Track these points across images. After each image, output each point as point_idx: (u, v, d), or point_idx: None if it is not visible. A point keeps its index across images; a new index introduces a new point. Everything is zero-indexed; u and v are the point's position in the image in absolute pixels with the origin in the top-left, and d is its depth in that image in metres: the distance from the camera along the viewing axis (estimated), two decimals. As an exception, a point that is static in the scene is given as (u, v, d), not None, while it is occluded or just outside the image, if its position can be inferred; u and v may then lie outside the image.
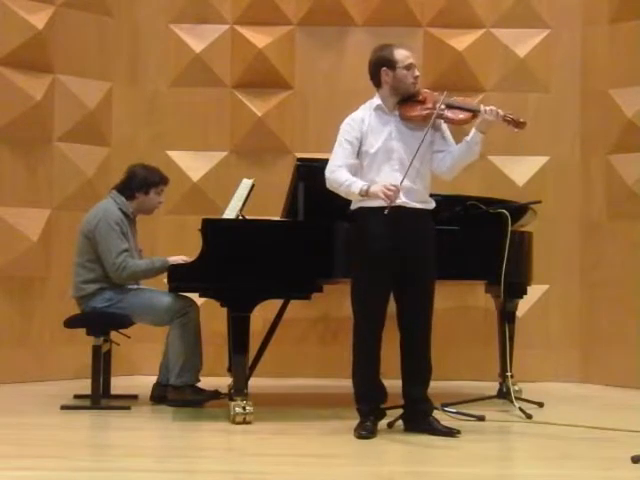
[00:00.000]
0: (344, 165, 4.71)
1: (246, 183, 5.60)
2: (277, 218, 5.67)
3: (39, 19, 6.57)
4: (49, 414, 5.29)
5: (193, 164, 7.08)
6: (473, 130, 4.76)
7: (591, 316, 6.89)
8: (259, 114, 7.06)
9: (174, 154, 7.08)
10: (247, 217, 5.52)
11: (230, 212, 5.52)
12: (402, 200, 4.66)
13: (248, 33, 7.07)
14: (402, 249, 4.66)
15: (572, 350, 6.92)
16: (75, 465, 4.09)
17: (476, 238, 5.53)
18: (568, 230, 6.96)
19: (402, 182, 4.57)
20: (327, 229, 5.08)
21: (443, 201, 5.64)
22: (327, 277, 5.14)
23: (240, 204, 5.49)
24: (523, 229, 5.95)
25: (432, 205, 4.81)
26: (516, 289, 5.79)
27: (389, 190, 4.52)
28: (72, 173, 6.74)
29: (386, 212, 4.49)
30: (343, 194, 4.72)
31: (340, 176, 4.70)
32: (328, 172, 4.75)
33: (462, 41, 7.02)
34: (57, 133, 6.70)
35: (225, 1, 7.10)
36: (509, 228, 5.43)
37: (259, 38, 7.06)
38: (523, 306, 6.39)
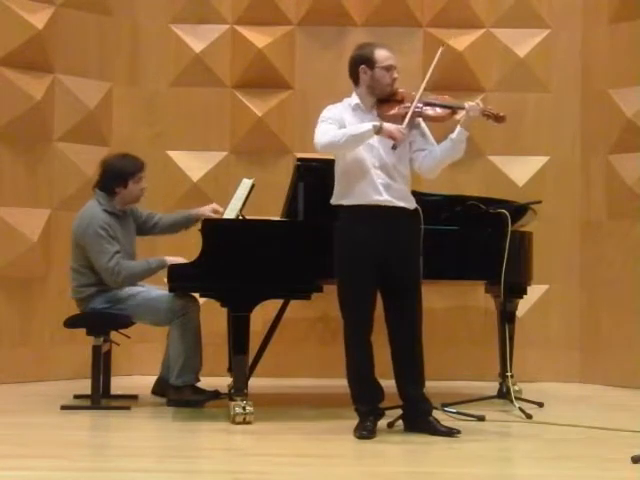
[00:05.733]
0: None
1: (246, 183, 5.60)
2: (277, 218, 5.67)
3: (39, 19, 6.57)
4: (49, 414, 5.29)
5: (193, 164, 7.08)
6: (458, 127, 4.73)
7: (591, 316, 6.88)
8: (259, 114, 7.06)
9: (174, 154, 7.08)
10: (247, 217, 5.52)
11: (230, 212, 5.52)
12: (384, 198, 4.67)
13: (248, 33, 7.07)
14: (385, 249, 4.66)
15: (572, 350, 6.92)
16: (75, 465, 4.09)
17: (476, 238, 5.53)
18: (568, 230, 6.96)
19: (404, 127, 4.59)
20: (327, 229, 5.08)
21: (443, 201, 5.67)
22: (327, 277, 5.13)
23: (240, 204, 5.49)
24: (523, 229, 5.95)
25: (414, 204, 4.79)
26: (516, 289, 5.79)
27: (400, 132, 4.56)
28: (72, 173, 6.73)
29: (393, 146, 4.57)
30: (346, 144, 4.59)
31: (336, 132, 4.62)
32: (319, 138, 4.64)
33: (462, 41, 7.02)
34: (57, 133, 6.70)
35: (225, 1, 7.09)
36: (509, 228, 5.43)
37: (259, 38, 7.06)
38: (523, 306, 6.38)
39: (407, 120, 4.64)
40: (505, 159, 6.98)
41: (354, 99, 4.81)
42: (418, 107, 4.73)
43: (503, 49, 7.06)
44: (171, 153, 7.08)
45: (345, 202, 4.72)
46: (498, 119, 4.77)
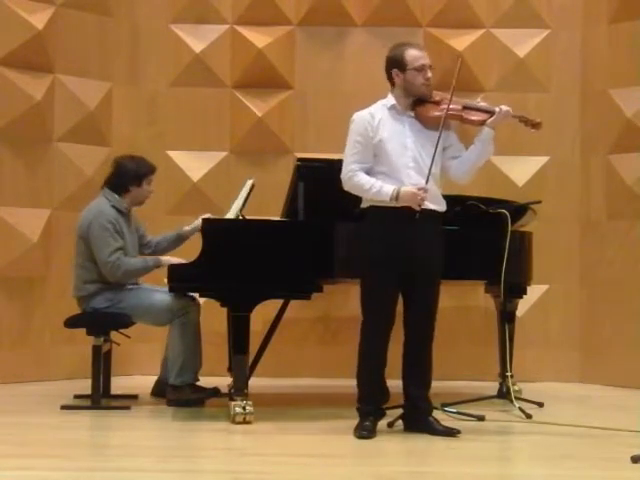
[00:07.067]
0: (359, 169, 4.68)
1: (247, 183, 5.62)
2: (277, 218, 5.67)
3: (39, 19, 6.57)
4: (49, 414, 5.29)
5: (193, 164, 7.08)
6: (486, 128, 4.76)
7: (591, 316, 6.88)
8: (259, 114, 7.06)
9: (174, 154, 7.08)
10: (247, 217, 5.52)
11: (231, 213, 5.54)
12: None
13: (248, 33, 7.07)
14: (413, 250, 4.66)
15: (572, 350, 6.91)
16: (75, 465, 4.09)
17: (476, 238, 5.53)
18: (568, 230, 6.96)
19: (427, 183, 4.59)
20: (327, 229, 5.08)
21: (443, 201, 5.67)
22: (327, 277, 5.14)
23: (240, 204, 5.50)
24: (523, 229, 5.95)
25: (444, 207, 4.80)
26: (516, 289, 5.79)
27: (419, 195, 4.55)
28: (72, 173, 6.73)
29: (417, 216, 4.55)
30: (369, 197, 4.68)
31: (361, 180, 4.66)
32: (345, 177, 4.71)
33: (462, 41, 7.02)
34: (57, 133, 6.70)
35: (225, 1, 7.10)
36: (509, 228, 5.43)
37: (259, 38, 7.06)
38: (523, 306, 6.38)
39: (441, 124, 4.63)
40: (505, 159, 6.97)
41: (390, 100, 4.78)
42: (457, 109, 4.74)
43: (503, 49, 7.06)
44: (171, 153, 7.08)
45: (377, 203, 4.68)
46: (535, 126, 4.88)
